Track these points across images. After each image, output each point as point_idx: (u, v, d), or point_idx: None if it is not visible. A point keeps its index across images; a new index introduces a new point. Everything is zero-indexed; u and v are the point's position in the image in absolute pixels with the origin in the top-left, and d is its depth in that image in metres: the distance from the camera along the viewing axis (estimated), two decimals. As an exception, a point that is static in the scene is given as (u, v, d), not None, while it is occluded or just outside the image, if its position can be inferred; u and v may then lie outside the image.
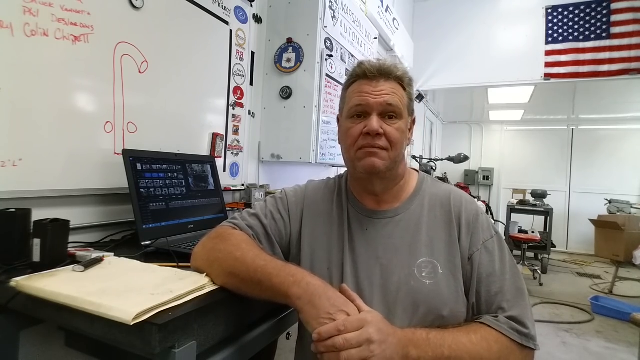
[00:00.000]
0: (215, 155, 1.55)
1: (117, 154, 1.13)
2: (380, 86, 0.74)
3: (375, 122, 0.72)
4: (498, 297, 0.70)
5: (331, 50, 1.95)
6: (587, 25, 3.64)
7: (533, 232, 4.67)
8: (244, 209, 0.87)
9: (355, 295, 0.65)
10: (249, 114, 1.79)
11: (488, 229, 0.77)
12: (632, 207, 4.90)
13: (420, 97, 4.31)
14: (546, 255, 4.55)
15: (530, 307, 0.70)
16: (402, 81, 0.76)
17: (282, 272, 0.64)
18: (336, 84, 2.04)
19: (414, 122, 0.82)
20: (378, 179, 0.77)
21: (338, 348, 0.55)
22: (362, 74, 0.76)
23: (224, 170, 1.63)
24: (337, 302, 0.60)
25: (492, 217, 5.21)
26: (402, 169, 0.81)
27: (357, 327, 0.57)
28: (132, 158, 1.06)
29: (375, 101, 0.73)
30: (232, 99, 1.66)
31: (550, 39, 3.77)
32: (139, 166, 1.07)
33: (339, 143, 0.84)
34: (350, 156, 0.78)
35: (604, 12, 3.57)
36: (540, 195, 4.93)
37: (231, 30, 1.62)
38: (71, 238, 0.87)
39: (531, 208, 4.80)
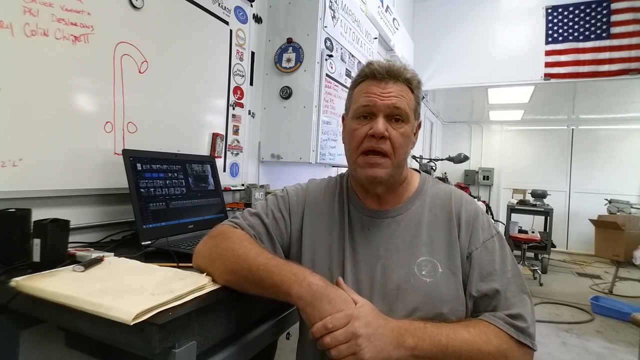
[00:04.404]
0: (215, 155, 1.55)
1: (117, 154, 1.13)
2: (389, 88, 0.73)
3: (381, 124, 0.71)
4: (498, 295, 0.70)
5: (331, 50, 1.95)
6: (587, 25, 3.64)
7: (533, 232, 4.67)
8: (244, 209, 0.87)
9: (348, 289, 0.66)
10: (249, 114, 1.79)
11: (488, 229, 0.77)
12: (632, 207, 4.90)
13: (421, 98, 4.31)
14: (546, 255, 4.55)
15: (531, 306, 0.70)
16: (411, 84, 0.75)
17: (283, 270, 0.65)
18: (336, 84, 2.04)
19: (419, 126, 0.81)
20: (380, 184, 0.77)
21: (327, 346, 0.57)
22: (371, 74, 0.74)
23: (224, 170, 1.63)
24: (337, 303, 0.61)
25: (492, 217, 5.21)
26: (404, 173, 0.81)
27: (344, 323, 0.58)
28: (132, 158, 1.06)
29: (383, 103, 0.72)
30: (232, 99, 1.66)
31: (550, 39, 3.77)
32: (139, 166, 1.07)
33: (343, 142, 0.83)
34: (353, 159, 0.77)
35: (604, 12, 3.57)
36: (540, 195, 4.93)
37: (231, 30, 1.62)
38: (71, 238, 0.87)
39: (531, 208, 4.80)
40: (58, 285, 0.64)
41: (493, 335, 0.64)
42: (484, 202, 4.74)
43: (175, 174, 1.20)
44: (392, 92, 0.73)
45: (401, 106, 0.72)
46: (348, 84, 2.19)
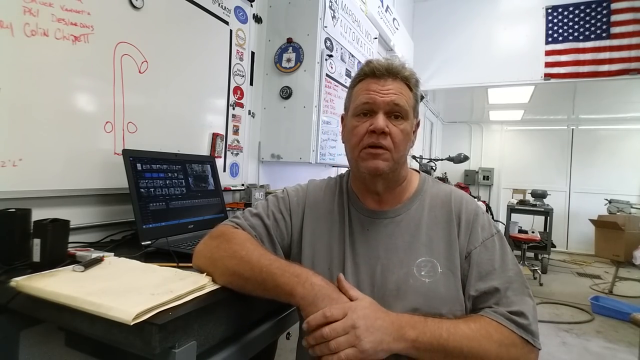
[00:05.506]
0: (215, 155, 1.55)
1: (117, 154, 1.13)
2: (388, 85, 0.74)
3: (381, 120, 0.72)
4: (498, 293, 0.69)
5: (331, 50, 1.95)
6: (587, 25, 3.64)
7: (533, 232, 4.67)
8: (244, 209, 0.87)
9: (348, 285, 0.67)
10: (249, 114, 1.79)
11: (488, 228, 0.77)
12: (632, 207, 4.90)
13: (420, 97, 4.31)
14: (546, 255, 4.55)
15: (533, 305, 0.70)
16: (409, 82, 0.76)
17: (286, 271, 0.65)
18: (336, 84, 2.04)
19: (418, 124, 0.82)
20: (381, 179, 0.77)
21: (326, 337, 0.58)
22: (370, 72, 0.76)
23: (224, 170, 1.63)
24: (338, 303, 0.62)
25: (492, 217, 5.21)
26: (404, 171, 0.81)
27: (342, 315, 0.59)
28: (132, 158, 1.06)
29: (383, 100, 0.73)
30: (232, 99, 1.66)
31: (550, 39, 3.77)
32: (139, 166, 1.07)
33: (343, 142, 0.83)
34: (354, 155, 0.77)
35: (604, 12, 3.57)
36: (540, 195, 4.93)
37: (231, 30, 1.62)
38: (71, 238, 0.87)
39: (531, 208, 4.80)
40: (58, 285, 0.64)
41: (494, 330, 0.64)
42: (484, 202, 4.75)
43: (175, 174, 1.20)
44: (391, 90, 0.73)
45: (400, 103, 0.73)
46: (348, 84, 2.19)
